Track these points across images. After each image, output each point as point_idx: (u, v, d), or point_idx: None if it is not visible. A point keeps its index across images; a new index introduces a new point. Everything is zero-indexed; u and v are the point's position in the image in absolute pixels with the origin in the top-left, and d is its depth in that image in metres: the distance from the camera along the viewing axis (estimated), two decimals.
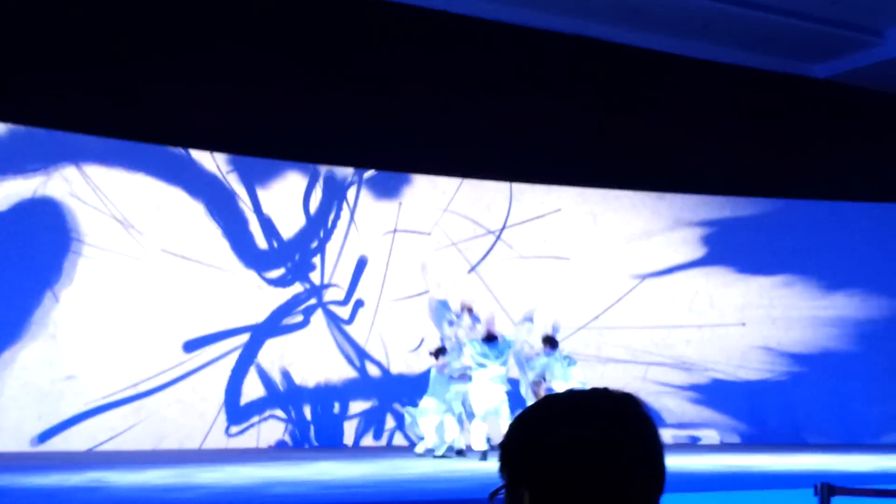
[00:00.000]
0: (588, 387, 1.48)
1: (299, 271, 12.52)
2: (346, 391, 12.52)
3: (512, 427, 1.46)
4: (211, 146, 11.08)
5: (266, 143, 10.90)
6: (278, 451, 11.57)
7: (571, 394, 1.46)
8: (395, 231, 12.95)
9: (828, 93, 9.86)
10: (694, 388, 13.83)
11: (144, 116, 10.08)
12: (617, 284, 13.74)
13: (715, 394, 13.80)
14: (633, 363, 13.69)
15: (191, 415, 11.78)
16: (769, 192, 13.30)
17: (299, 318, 12.44)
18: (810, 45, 9.71)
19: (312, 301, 12.50)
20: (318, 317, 12.52)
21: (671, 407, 13.58)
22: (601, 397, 1.44)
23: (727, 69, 9.01)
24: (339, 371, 12.53)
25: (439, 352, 10.79)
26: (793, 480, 7.90)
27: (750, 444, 13.26)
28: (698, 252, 14.00)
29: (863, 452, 11.27)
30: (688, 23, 9.20)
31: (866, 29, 9.28)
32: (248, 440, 11.98)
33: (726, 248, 14.07)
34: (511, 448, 1.43)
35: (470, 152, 11.06)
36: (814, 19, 9.10)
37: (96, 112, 9.51)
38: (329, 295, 12.62)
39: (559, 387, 10.41)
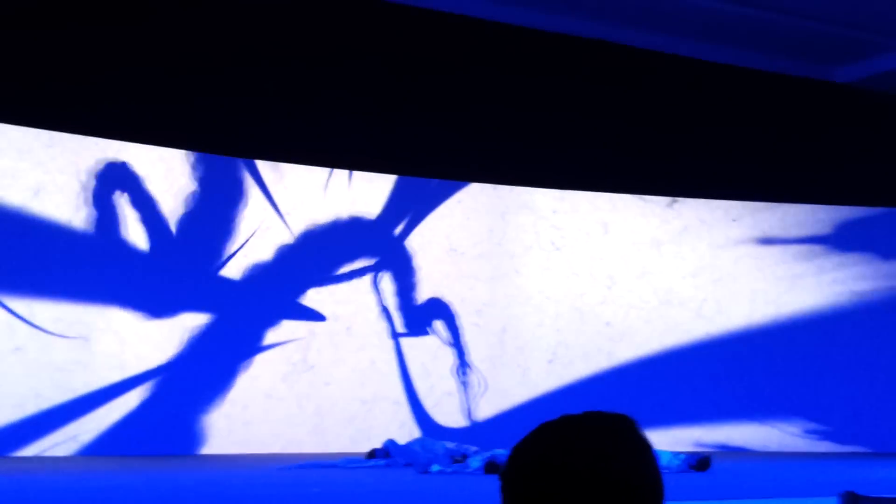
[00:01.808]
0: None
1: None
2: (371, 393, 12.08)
3: (511, 455, 1.41)
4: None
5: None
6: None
7: (567, 419, 1.40)
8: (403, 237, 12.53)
9: (848, 97, 9.30)
10: (704, 390, 13.33)
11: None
12: (627, 290, 13.29)
13: (721, 394, 13.28)
14: (643, 369, 13.24)
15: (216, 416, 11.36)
16: (786, 198, 12.78)
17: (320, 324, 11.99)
18: (830, 48, 9.14)
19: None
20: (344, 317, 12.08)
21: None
22: (596, 420, 1.38)
23: (743, 73, 8.46)
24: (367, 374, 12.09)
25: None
26: (817, 488, 7.36)
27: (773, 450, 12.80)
28: (707, 258, 13.52)
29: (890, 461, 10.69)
30: (704, 26, 8.65)
31: (888, 32, 8.71)
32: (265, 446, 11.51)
33: (736, 255, 13.56)
34: (511, 475, 1.37)
35: (484, 156, 10.58)
36: (833, 22, 8.53)
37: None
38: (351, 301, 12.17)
39: None
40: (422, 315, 12.49)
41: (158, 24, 7.42)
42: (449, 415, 12.38)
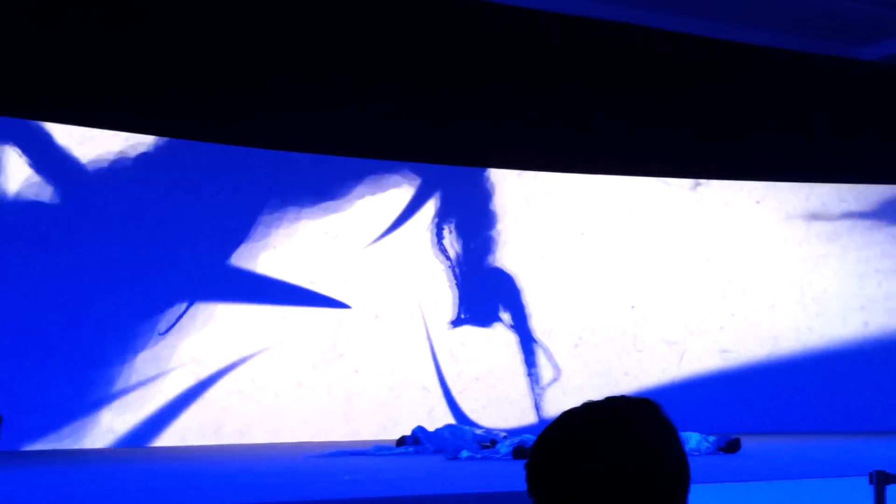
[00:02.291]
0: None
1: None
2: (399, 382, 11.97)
3: (536, 445, 1.37)
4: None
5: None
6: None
7: (589, 405, 1.37)
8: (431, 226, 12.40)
9: (873, 75, 9.02)
10: (731, 373, 13.11)
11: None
12: (651, 274, 13.10)
13: (749, 377, 13.04)
14: (669, 350, 13.05)
15: (248, 404, 11.29)
16: (811, 178, 12.51)
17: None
18: (854, 26, 8.87)
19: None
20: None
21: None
22: (618, 405, 1.35)
23: (766, 52, 8.20)
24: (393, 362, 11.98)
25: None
26: (847, 468, 7.17)
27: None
28: (731, 240, 13.31)
29: None
30: (725, 6, 8.42)
31: None
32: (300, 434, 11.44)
33: (760, 236, 13.32)
34: (537, 465, 1.34)
35: (507, 143, 10.36)
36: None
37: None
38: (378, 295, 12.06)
39: None
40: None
41: (159, 20, 7.30)
42: (476, 400, 12.25)
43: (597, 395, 1.44)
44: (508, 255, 12.68)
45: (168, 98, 8.48)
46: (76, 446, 10.43)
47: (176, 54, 7.66)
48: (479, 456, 8.93)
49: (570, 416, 1.37)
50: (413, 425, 10.33)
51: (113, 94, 8.28)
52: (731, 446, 8.95)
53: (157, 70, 7.79)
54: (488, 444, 9.21)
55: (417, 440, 9.79)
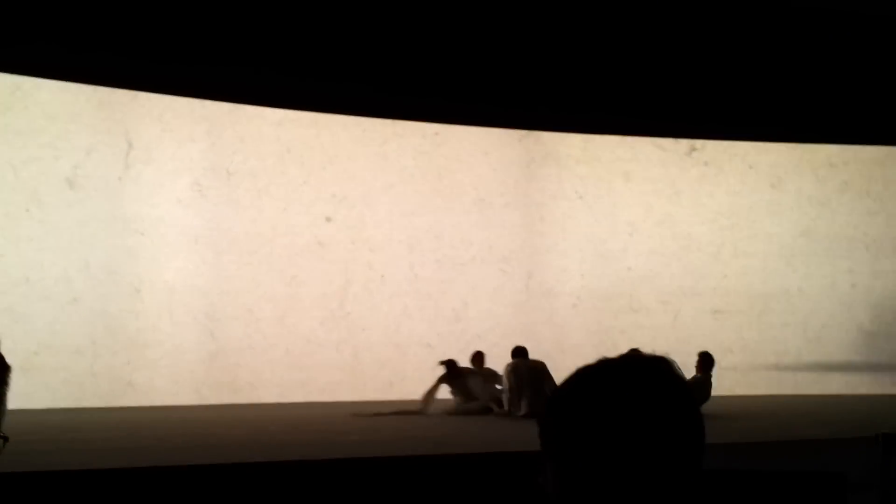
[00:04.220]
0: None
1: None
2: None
3: (551, 399, 1.27)
4: None
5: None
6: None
7: (604, 363, 1.27)
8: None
9: (880, 33, 8.48)
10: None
11: None
12: (647, 236, 12.71)
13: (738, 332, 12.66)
14: (663, 310, 12.69)
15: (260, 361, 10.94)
16: (805, 139, 12.07)
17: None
18: None
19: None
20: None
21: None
22: (633, 363, 1.26)
23: (762, 8, 7.68)
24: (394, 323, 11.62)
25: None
26: (854, 429, 6.79)
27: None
28: (724, 204, 12.89)
29: None
30: None
31: None
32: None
33: (752, 200, 12.89)
34: (551, 426, 1.25)
35: (508, 101, 9.88)
36: None
37: None
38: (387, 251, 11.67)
39: None
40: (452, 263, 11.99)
41: None
42: None
43: (595, 354, 1.32)
44: (509, 217, 12.31)
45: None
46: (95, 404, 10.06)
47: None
48: (490, 415, 8.56)
49: (585, 372, 1.27)
50: (417, 382, 9.97)
51: None
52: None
53: None
54: (499, 403, 8.83)
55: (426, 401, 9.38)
